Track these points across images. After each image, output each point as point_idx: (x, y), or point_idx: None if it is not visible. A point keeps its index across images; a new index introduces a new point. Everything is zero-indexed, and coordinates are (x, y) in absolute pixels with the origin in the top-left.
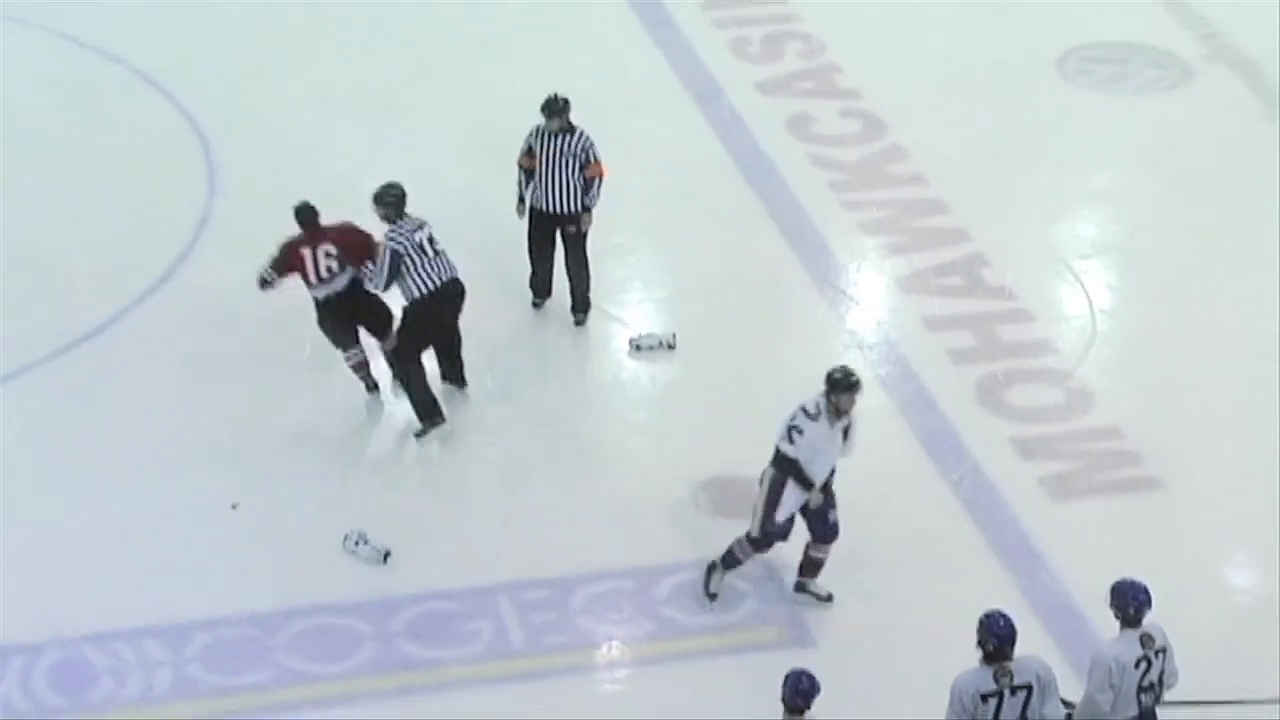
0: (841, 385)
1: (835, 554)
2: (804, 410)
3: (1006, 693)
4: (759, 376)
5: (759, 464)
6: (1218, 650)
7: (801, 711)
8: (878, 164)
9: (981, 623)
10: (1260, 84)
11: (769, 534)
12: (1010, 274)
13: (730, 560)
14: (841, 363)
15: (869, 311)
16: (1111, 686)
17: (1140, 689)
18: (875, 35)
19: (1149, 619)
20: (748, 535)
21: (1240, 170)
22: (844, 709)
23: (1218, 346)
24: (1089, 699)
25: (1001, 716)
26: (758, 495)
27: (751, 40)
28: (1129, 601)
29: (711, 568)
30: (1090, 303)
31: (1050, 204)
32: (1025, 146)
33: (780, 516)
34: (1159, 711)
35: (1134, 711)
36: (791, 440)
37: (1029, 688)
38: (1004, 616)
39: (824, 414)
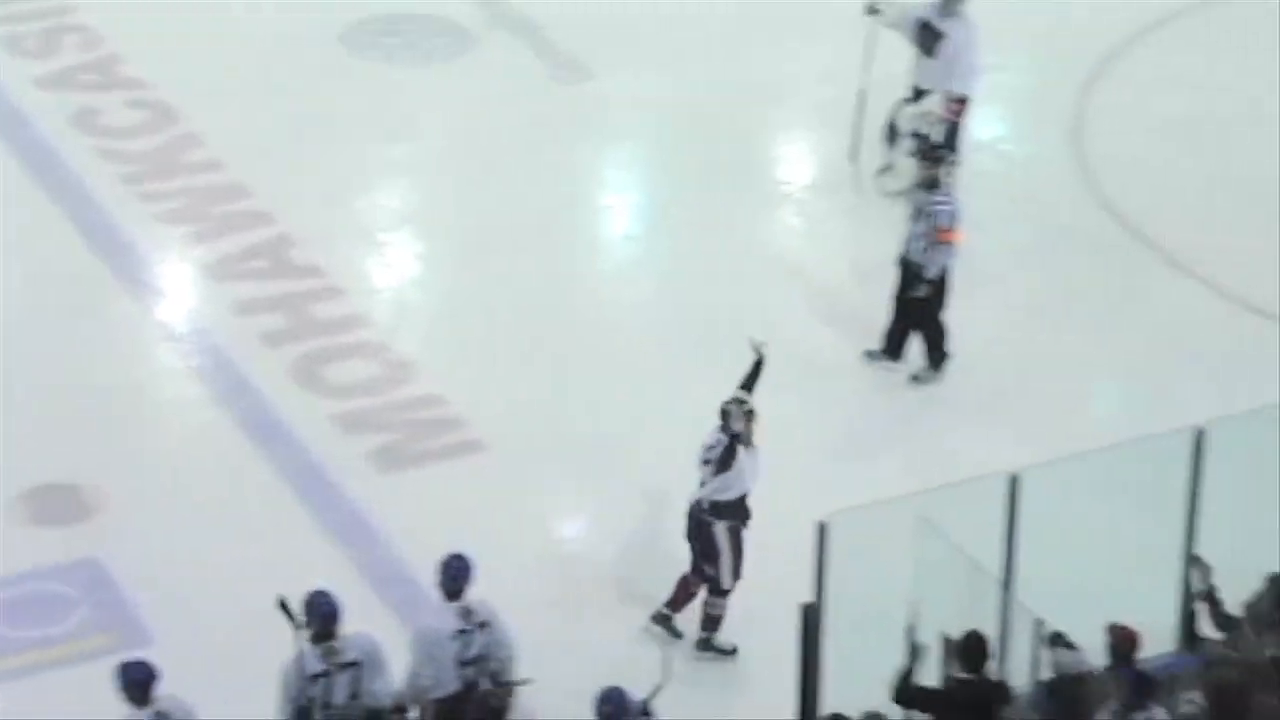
0: (747, 413)
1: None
2: (719, 462)
3: (335, 670)
4: (75, 376)
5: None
6: (550, 595)
7: (142, 703)
8: (171, 153)
9: (304, 605)
10: (543, 47)
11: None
12: (318, 251)
13: (715, 624)
14: (176, 361)
15: (177, 302)
16: (432, 659)
17: (460, 662)
18: (155, 22)
19: (474, 593)
20: (719, 591)
21: (532, 131)
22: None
23: (523, 307)
24: (412, 674)
25: (332, 695)
26: (720, 551)
27: (27, 36)
28: (447, 576)
29: (703, 643)
30: (399, 274)
31: (351, 179)
32: (320, 123)
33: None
34: None
35: (456, 685)
36: (729, 486)
37: (358, 664)
38: (325, 595)
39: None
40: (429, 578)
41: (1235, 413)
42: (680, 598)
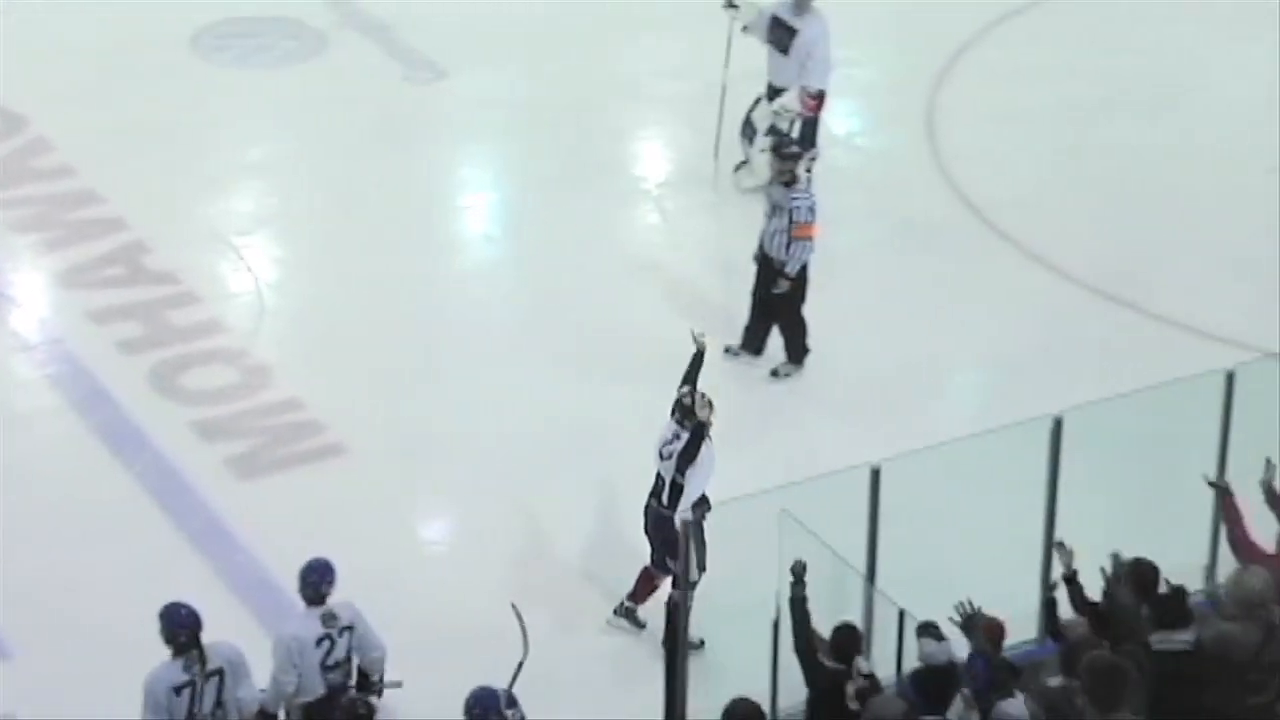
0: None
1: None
2: (683, 455)
3: (199, 681)
4: None
5: None
6: (414, 595)
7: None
8: (20, 159)
9: (162, 617)
10: (394, 47)
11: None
12: (173, 257)
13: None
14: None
15: (30, 311)
16: (294, 666)
17: (325, 667)
18: (2, 27)
19: (336, 597)
20: (690, 584)
21: (387, 132)
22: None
23: (382, 308)
24: (274, 680)
25: (197, 706)
26: (682, 546)
27: None
28: (308, 581)
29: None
30: (256, 278)
31: (205, 183)
32: (172, 128)
33: None
34: None
35: (321, 690)
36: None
37: (220, 672)
38: (184, 606)
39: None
40: (292, 584)
41: (1091, 400)
42: (642, 590)
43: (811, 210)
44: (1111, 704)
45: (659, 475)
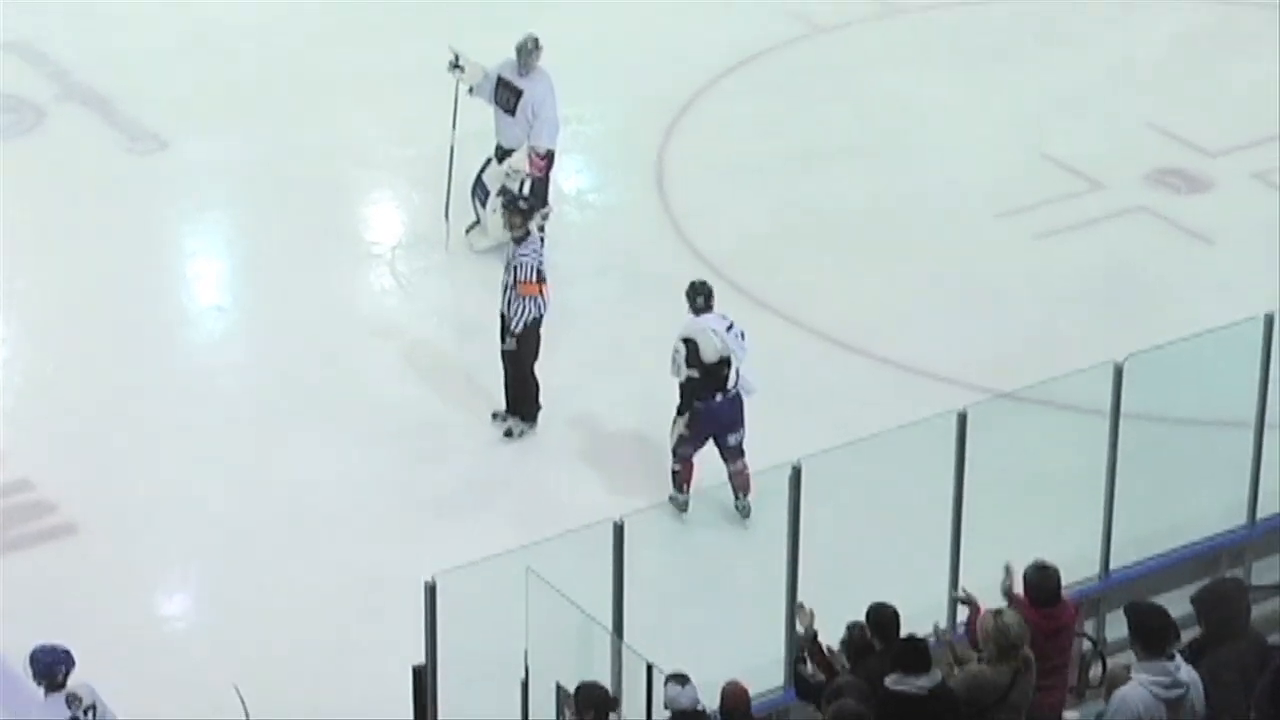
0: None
1: None
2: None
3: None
4: None
5: None
6: (157, 673)
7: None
8: None
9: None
10: (114, 117)
11: None
12: None
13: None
14: None
15: None
16: None
17: None
18: None
19: (74, 678)
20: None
21: (110, 204)
22: None
23: (110, 384)
24: None
25: None
26: None
27: None
28: (41, 667)
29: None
30: None
31: None
32: None
33: None
34: None
35: None
36: None
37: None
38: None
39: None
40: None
41: (828, 447)
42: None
43: (534, 269)
44: None
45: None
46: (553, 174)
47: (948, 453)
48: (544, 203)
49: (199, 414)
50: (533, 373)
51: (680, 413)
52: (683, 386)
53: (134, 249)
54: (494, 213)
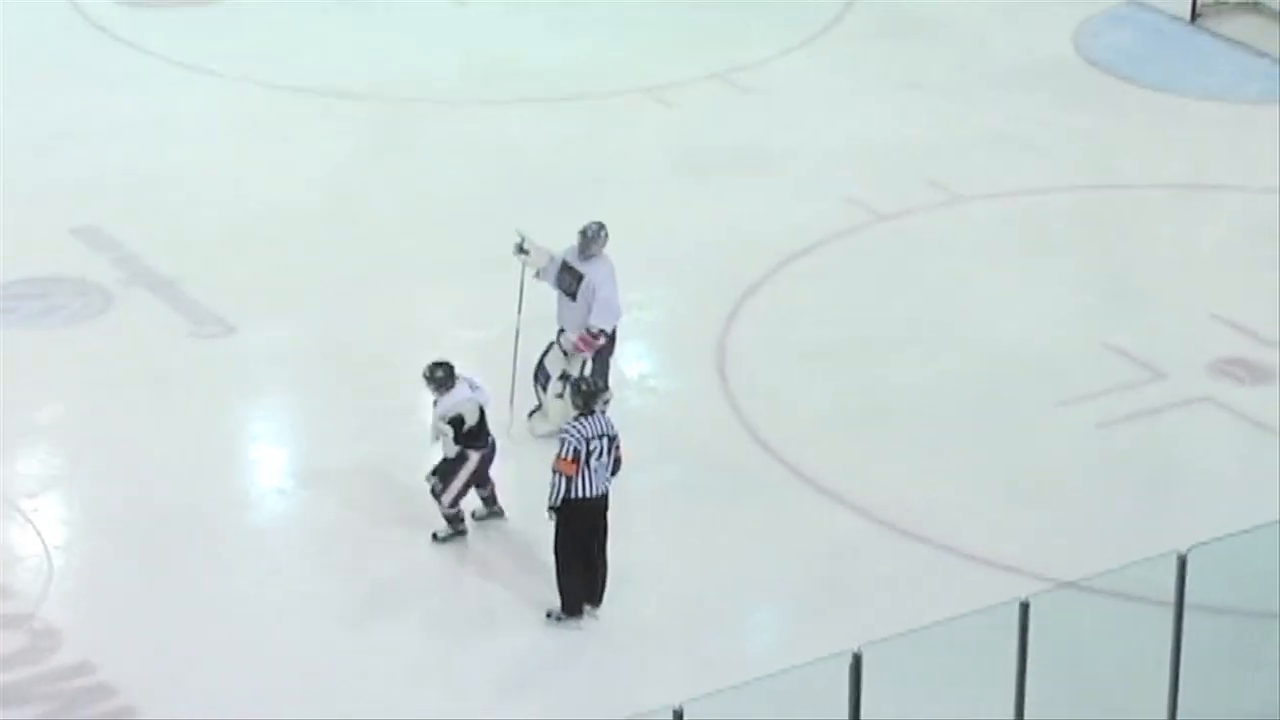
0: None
1: None
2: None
3: None
4: None
5: None
6: None
7: None
8: None
9: None
10: (180, 301)
11: None
12: None
13: None
14: None
15: None
16: None
17: None
18: None
19: None
20: None
21: (175, 386)
22: None
23: (174, 570)
24: None
25: None
26: None
27: None
28: None
29: None
30: (44, 541)
31: None
32: None
33: None
34: None
35: None
36: None
37: None
38: None
39: None
40: None
41: (888, 635)
42: None
43: (573, 447)
44: None
45: None
46: (612, 360)
47: (1010, 643)
48: (605, 386)
49: (261, 600)
50: (579, 556)
51: None
52: None
53: (198, 432)
54: (555, 398)
